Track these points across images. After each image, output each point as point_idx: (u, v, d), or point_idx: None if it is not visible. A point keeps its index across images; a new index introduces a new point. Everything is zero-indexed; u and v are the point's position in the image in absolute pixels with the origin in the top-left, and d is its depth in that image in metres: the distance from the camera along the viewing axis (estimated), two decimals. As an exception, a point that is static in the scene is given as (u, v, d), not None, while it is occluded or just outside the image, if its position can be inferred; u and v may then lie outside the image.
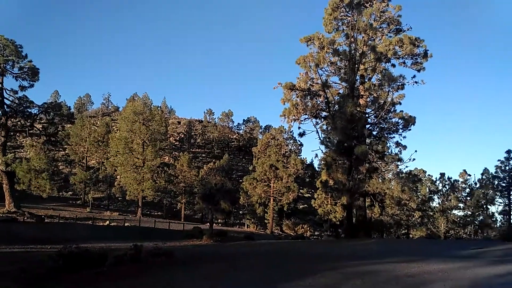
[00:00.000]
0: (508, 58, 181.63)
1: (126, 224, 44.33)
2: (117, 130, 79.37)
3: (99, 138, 79.22)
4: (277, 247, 20.37)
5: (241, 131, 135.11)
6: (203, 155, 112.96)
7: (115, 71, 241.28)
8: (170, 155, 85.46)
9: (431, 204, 55.55)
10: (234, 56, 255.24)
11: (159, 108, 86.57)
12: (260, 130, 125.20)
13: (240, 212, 75.63)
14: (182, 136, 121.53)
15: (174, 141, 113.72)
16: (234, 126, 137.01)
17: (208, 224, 42.99)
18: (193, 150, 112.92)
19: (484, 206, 53.44)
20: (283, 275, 10.47)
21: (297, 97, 32.25)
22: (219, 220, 68.93)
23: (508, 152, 51.06)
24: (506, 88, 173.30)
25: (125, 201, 71.56)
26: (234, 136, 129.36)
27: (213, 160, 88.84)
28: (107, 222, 44.73)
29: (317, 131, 30.71)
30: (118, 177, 68.60)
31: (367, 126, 31.30)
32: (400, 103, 32.59)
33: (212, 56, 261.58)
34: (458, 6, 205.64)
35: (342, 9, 32.96)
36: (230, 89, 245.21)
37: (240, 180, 72.57)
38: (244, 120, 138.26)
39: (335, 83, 32.85)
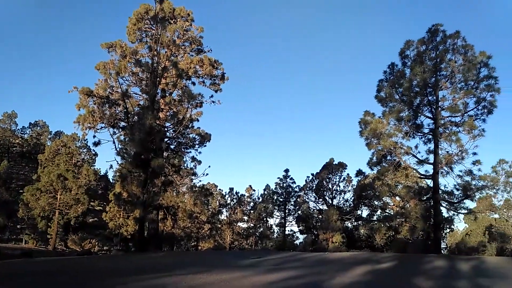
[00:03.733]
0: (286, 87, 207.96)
1: None
2: None
3: None
4: (59, 264, 18.67)
5: (25, 136, 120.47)
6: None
7: None
8: None
9: (220, 217, 59.20)
10: (21, 51, 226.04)
11: None
12: (49, 136, 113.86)
13: (18, 226, 66.87)
14: None
15: None
16: (18, 129, 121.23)
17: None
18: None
19: (265, 219, 59.50)
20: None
21: (95, 104, 30.62)
22: (-10, 236, 59.66)
23: (286, 171, 58.15)
24: (283, 112, 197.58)
25: None
26: (17, 141, 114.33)
27: (-13, 167, 76.63)
28: None
29: (114, 141, 29.51)
30: None
31: (166, 139, 31.69)
32: (198, 120, 34.16)
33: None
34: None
35: (147, 21, 32.90)
36: (15, 88, 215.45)
37: (21, 191, 64.23)
38: (30, 123, 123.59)
39: (136, 94, 32.38)
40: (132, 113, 30.09)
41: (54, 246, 55.54)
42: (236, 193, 61.11)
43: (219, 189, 61.50)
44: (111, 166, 66.38)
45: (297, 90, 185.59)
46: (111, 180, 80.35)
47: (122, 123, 31.04)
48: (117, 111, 30.99)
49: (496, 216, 58.71)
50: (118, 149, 28.96)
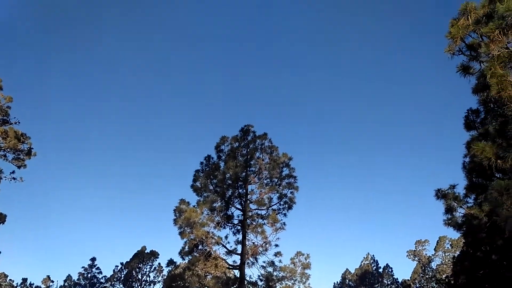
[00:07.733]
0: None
1: None
2: None
3: None
4: None
5: None
6: None
7: None
8: None
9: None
10: None
11: None
12: None
13: None
14: None
15: None
16: None
17: None
18: None
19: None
20: None
21: None
22: None
23: (92, 259, 53.63)
24: (94, 198, 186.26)
25: None
26: None
27: None
28: None
29: None
30: None
31: None
32: (-9, 198, 29.88)
33: None
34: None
35: None
36: None
37: None
38: None
39: None
40: None
41: None
42: (31, 284, 53.72)
43: (10, 280, 53.17)
44: None
45: (109, 178, 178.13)
46: None
47: None
48: None
49: (295, 305, 63.29)
50: None
